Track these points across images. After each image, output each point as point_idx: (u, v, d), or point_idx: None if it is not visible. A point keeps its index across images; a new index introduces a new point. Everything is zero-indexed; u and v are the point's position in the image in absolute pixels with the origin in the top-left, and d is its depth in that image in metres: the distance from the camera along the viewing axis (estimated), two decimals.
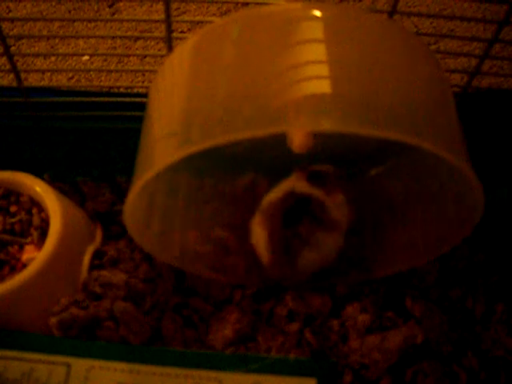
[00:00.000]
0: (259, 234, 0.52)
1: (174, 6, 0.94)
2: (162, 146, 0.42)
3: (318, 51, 0.40)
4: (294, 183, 0.52)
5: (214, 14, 0.95)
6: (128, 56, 0.90)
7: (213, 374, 0.49)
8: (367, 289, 0.55)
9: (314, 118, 0.38)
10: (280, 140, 0.46)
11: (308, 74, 0.39)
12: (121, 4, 0.97)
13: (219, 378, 0.48)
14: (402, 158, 0.51)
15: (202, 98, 0.41)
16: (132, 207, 0.45)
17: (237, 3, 0.81)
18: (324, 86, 0.38)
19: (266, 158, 0.51)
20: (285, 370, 0.49)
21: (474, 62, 0.61)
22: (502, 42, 0.58)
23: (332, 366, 0.50)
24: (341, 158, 0.56)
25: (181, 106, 0.42)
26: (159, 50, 0.91)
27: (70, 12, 0.96)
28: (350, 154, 0.56)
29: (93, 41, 0.93)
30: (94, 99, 0.65)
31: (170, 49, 0.58)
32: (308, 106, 0.38)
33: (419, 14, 0.92)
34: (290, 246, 0.51)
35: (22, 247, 0.53)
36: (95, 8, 0.97)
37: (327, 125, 0.37)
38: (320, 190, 0.51)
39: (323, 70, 0.39)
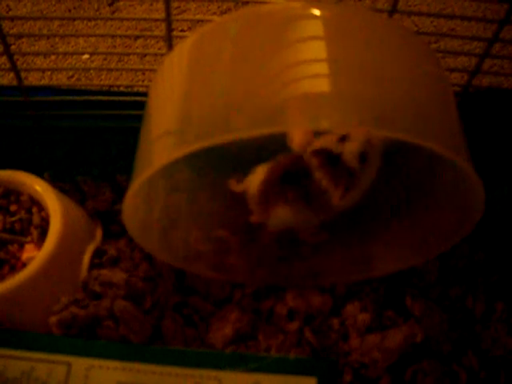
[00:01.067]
0: (256, 178, 0.51)
1: (174, 4, 0.94)
2: (160, 144, 0.42)
3: (318, 50, 0.40)
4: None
5: (214, 13, 0.95)
6: (128, 55, 0.90)
7: (213, 373, 0.49)
8: (367, 288, 0.56)
9: (314, 117, 0.38)
10: (281, 138, 0.46)
11: (307, 73, 0.39)
12: (121, 3, 0.97)
13: (219, 377, 0.48)
14: (402, 157, 0.51)
15: (201, 96, 0.41)
16: (131, 206, 0.45)
17: (237, 2, 0.81)
18: (323, 85, 0.38)
19: (268, 156, 0.51)
20: (285, 369, 0.49)
21: (474, 61, 0.61)
22: (503, 42, 0.58)
23: (332, 365, 0.50)
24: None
25: (179, 104, 0.42)
26: (159, 48, 0.91)
27: (70, 11, 0.96)
28: None
29: (93, 39, 0.93)
30: (94, 98, 0.65)
31: (170, 48, 0.58)
32: (307, 105, 0.38)
33: (419, 13, 0.92)
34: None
35: (21, 246, 0.53)
36: (95, 7, 0.97)
37: (326, 124, 0.37)
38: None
39: (323, 68, 0.39)
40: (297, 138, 0.46)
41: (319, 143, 0.46)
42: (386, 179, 0.52)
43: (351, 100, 0.38)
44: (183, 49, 0.44)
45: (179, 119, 0.41)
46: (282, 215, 0.51)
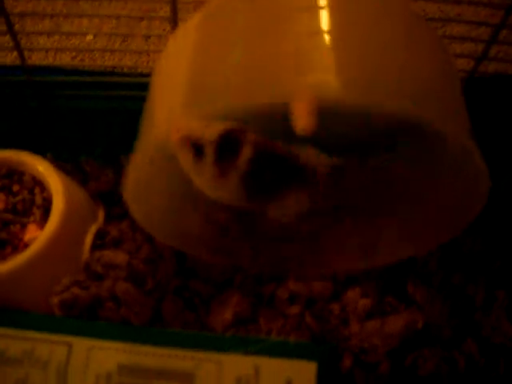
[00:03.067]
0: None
1: None
2: (164, 119, 0.41)
3: (325, 22, 0.40)
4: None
5: None
6: (132, 36, 0.89)
7: (213, 355, 0.49)
8: (369, 274, 0.55)
9: (319, 87, 0.37)
10: (285, 122, 0.46)
11: (315, 46, 0.38)
12: None
13: (219, 360, 0.49)
14: (405, 146, 0.51)
15: (207, 72, 0.41)
16: (133, 185, 0.45)
17: None
18: (330, 58, 0.38)
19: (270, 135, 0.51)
20: (285, 352, 0.49)
21: (480, 46, 0.60)
22: (510, 28, 0.58)
23: (332, 350, 0.50)
24: (345, 145, 0.56)
25: (184, 81, 0.42)
26: (164, 29, 0.90)
27: None
28: (355, 141, 0.56)
29: (97, 20, 0.92)
30: (97, 79, 0.65)
31: (175, 29, 0.57)
32: (314, 77, 0.37)
33: None
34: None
35: (24, 226, 0.53)
36: None
37: (331, 95, 0.37)
38: None
39: (331, 42, 0.39)
40: (301, 120, 0.46)
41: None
42: (388, 169, 0.51)
43: (356, 73, 0.38)
44: (187, 27, 0.44)
45: (184, 95, 0.41)
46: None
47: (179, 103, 0.41)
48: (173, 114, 0.41)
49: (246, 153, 0.46)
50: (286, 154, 0.48)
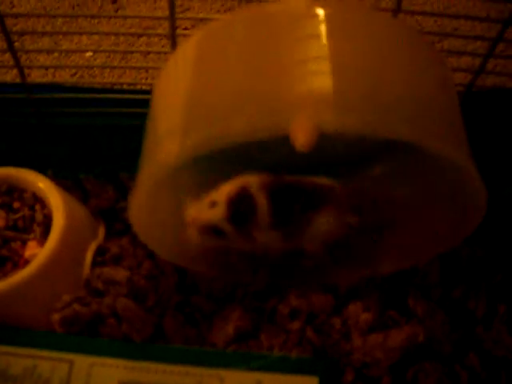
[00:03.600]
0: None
1: (178, 2, 0.94)
2: (166, 145, 0.42)
3: (322, 49, 0.40)
4: None
5: (217, 11, 0.95)
6: (131, 53, 0.90)
7: (214, 371, 0.49)
8: (370, 287, 0.55)
9: (317, 117, 0.38)
10: (284, 138, 0.46)
11: (311, 71, 0.39)
12: (124, 0, 0.97)
13: (221, 376, 0.49)
14: (406, 157, 0.51)
15: (206, 96, 0.41)
16: (138, 207, 0.45)
17: (240, 0, 0.81)
18: (327, 84, 0.38)
19: (271, 154, 0.51)
20: (287, 368, 0.49)
21: (477, 60, 0.60)
22: (506, 41, 0.58)
23: (334, 365, 0.50)
24: (344, 157, 0.56)
25: (184, 105, 0.42)
26: (163, 46, 0.91)
27: (73, 8, 0.96)
28: (354, 153, 0.56)
29: (96, 37, 0.93)
30: (97, 96, 0.65)
31: (174, 46, 0.58)
32: (311, 105, 0.38)
33: (423, 13, 0.92)
34: None
35: (24, 243, 0.54)
36: (99, 4, 0.97)
37: (329, 125, 0.37)
38: None
39: (326, 67, 0.39)
40: (300, 138, 0.46)
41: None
42: (389, 180, 0.52)
43: (354, 99, 0.38)
44: (188, 47, 0.44)
45: (184, 120, 0.41)
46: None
47: (179, 131, 0.41)
48: (173, 137, 0.42)
49: (262, 203, 0.47)
50: (299, 181, 0.49)
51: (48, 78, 0.87)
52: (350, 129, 0.37)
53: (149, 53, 0.90)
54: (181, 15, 0.58)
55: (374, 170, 0.57)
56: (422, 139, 0.38)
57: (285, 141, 0.39)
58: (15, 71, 0.61)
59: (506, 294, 0.56)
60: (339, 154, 0.55)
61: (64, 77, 0.88)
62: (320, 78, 0.39)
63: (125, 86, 0.84)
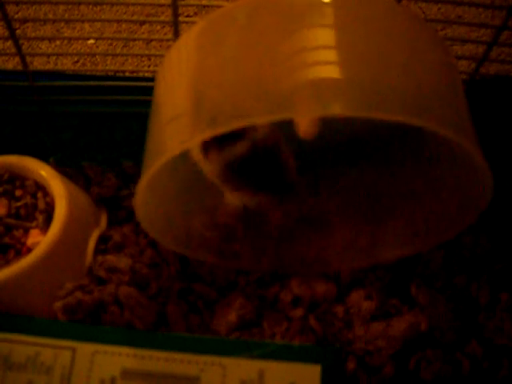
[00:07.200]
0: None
1: None
2: (172, 132, 0.41)
3: (327, 36, 0.40)
4: None
5: None
6: (134, 40, 0.90)
7: (217, 359, 0.49)
8: (372, 276, 0.56)
9: (322, 103, 0.37)
10: (287, 125, 0.46)
11: (316, 59, 0.38)
12: None
13: (223, 364, 0.49)
14: (408, 144, 0.51)
15: (209, 84, 0.41)
16: (143, 195, 0.45)
17: None
18: (332, 71, 0.38)
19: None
20: (289, 356, 0.49)
21: (481, 48, 0.60)
22: (511, 29, 0.58)
23: (336, 353, 0.50)
24: (348, 144, 0.56)
25: (189, 91, 0.42)
26: (165, 34, 0.91)
27: None
28: (357, 139, 0.56)
29: (98, 24, 0.93)
30: (99, 83, 0.65)
31: (176, 33, 0.58)
32: (316, 91, 0.37)
33: (427, 0, 0.91)
34: None
35: (27, 231, 0.53)
36: None
37: (336, 110, 0.37)
38: None
39: (331, 54, 0.39)
40: (303, 126, 0.46)
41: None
42: (392, 166, 0.51)
43: (359, 86, 0.38)
44: (191, 35, 0.44)
45: (189, 106, 0.41)
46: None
47: (184, 118, 0.41)
48: (179, 127, 0.41)
49: (242, 147, 0.47)
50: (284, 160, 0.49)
51: (50, 65, 0.87)
52: (356, 113, 0.37)
53: (151, 40, 0.90)
54: (183, 2, 0.57)
55: (376, 155, 0.57)
56: (431, 123, 0.37)
57: (287, 127, 0.39)
58: (17, 59, 0.61)
59: (508, 282, 0.56)
60: (341, 142, 0.55)
61: (66, 64, 0.87)
62: (325, 65, 0.38)
63: (127, 74, 0.84)
